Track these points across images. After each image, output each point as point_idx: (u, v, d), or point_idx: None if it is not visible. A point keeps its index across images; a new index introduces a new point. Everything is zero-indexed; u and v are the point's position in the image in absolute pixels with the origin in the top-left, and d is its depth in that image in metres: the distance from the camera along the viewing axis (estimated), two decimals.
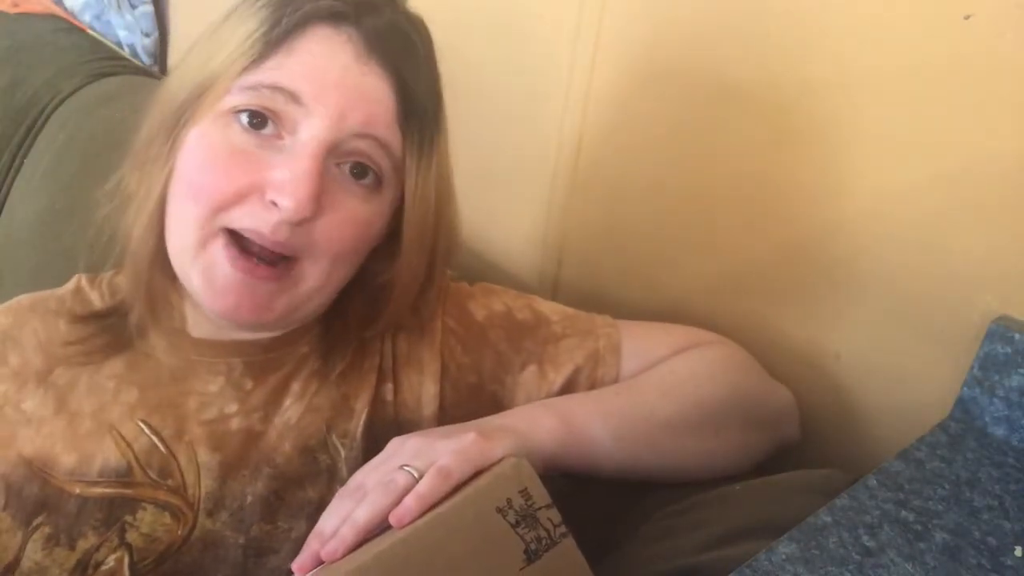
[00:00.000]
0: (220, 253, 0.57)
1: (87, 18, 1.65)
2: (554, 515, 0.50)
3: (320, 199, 0.57)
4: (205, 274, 0.58)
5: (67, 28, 1.54)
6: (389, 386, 0.67)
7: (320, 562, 0.50)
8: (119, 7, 1.63)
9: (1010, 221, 0.62)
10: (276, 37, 0.56)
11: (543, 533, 0.50)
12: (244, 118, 0.57)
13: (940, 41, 0.63)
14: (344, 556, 0.49)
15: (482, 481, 0.51)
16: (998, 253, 0.63)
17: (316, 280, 0.60)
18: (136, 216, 0.61)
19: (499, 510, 0.49)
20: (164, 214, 0.60)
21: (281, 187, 0.55)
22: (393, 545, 0.46)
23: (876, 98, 0.67)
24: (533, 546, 0.49)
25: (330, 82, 0.56)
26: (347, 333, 0.66)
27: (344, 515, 0.51)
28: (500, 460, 0.53)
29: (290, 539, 0.63)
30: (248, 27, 0.57)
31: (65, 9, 1.64)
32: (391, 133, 0.58)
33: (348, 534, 0.49)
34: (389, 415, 0.67)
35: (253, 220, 0.56)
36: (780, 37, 0.72)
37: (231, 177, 0.56)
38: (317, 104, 0.56)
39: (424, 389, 0.67)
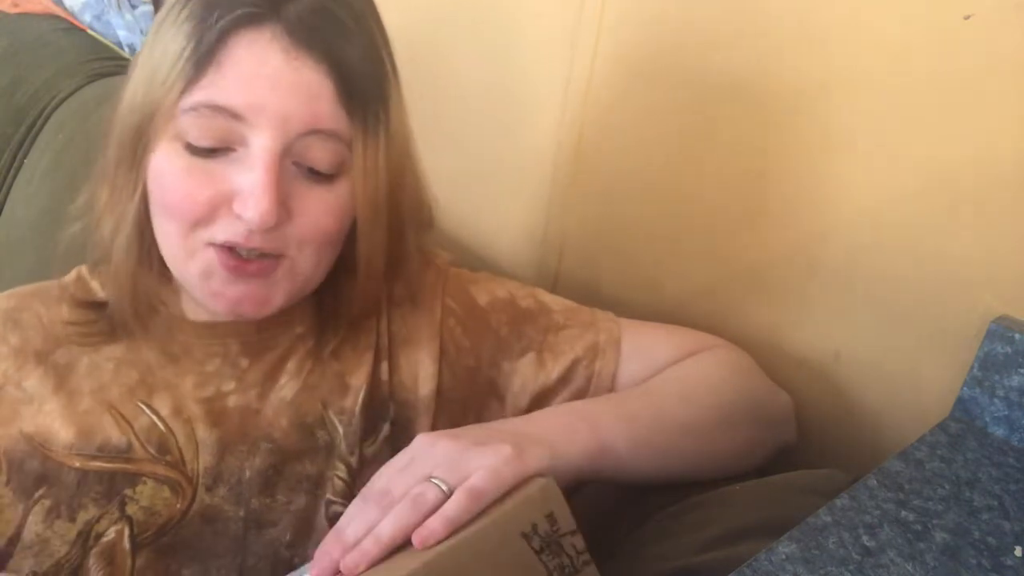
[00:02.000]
0: (212, 258, 0.59)
1: (87, 18, 1.64)
2: (578, 542, 0.50)
3: (287, 204, 0.58)
4: (201, 278, 0.60)
5: (67, 28, 1.54)
6: (385, 365, 0.68)
7: (339, 571, 0.50)
8: (119, 7, 1.63)
9: (1010, 221, 0.62)
10: (202, 55, 0.55)
11: (566, 561, 0.49)
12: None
13: (940, 41, 0.63)
14: (365, 570, 0.48)
15: (509, 503, 0.49)
16: (998, 253, 0.63)
17: (308, 267, 0.61)
18: (115, 235, 0.62)
19: (524, 535, 0.48)
20: (143, 234, 0.62)
21: (244, 201, 0.56)
22: (416, 571, 0.45)
23: (876, 98, 0.67)
24: (556, 574, 0.48)
25: (264, 90, 0.56)
26: (338, 311, 0.67)
27: (368, 523, 0.50)
28: (529, 478, 0.52)
29: (288, 511, 0.63)
30: (176, 46, 0.56)
31: (65, 9, 1.64)
32: (337, 119, 0.58)
33: (372, 550, 0.49)
34: (385, 393, 0.67)
35: (227, 232, 0.58)
36: (779, 38, 0.72)
37: (195, 196, 0.57)
38: (257, 116, 0.56)
39: (422, 369, 0.68)
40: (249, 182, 0.56)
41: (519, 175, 0.98)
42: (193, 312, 0.66)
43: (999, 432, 0.63)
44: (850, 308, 0.73)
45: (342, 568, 0.49)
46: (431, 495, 0.50)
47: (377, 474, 0.55)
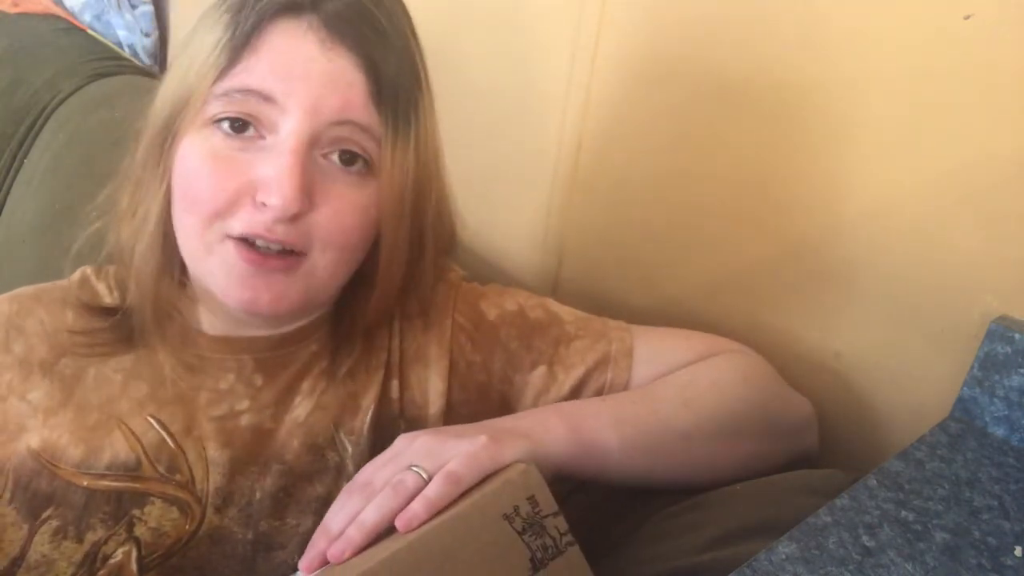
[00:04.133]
0: (230, 252, 0.58)
1: (87, 18, 1.65)
2: (560, 523, 0.50)
3: (311, 194, 0.57)
4: (220, 272, 0.59)
5: (67, 28, 1.54)
6: (395, 383, 0.67)
7: (327, 561, 0.50)
8: (119, 7, 1.63)
9: (1010, 221, 0.62)
10: (239, 41, 0.56)
11: (549, 541, 0.49)
12: (225, 125, 0.57)
13: (940, 41, 0.63)
14: (351, 557, 0.49)
15: (490, 487, 0.50)
16: (998, 253, 0.63)
17: (327, 270, 0.60)
18: (137, 235, 0.61)
19: (506, 517, 0.49)
20: (166, 231, 0.61)
21: (267, 186, 0.56)
22: (399, 551, 0.46)
23: (876, 98, 0.67)
24: (539, 554, 0.49)
25: (298, 75, 0.56)
26: (353, 329, 0.66)
27: (351, 514, 0.51)
28: (509, 465, 0.53)
29: (298, 534, 0.63)
30: (214, 36, 0.57)
31: (65, 9, 1.64)
32: (368, 114, 0.58)
33: (356, 536, 0.50)
34: (395, 412, 0.67)
35: (249, 224, 0.57)
36: (781, 37, 0.72)
37: (219, 185, 0.57)
38: (289, 100, 0.56)
39: (431, 386, 0.67)
40: (275, 167, 0.56)
41: (520, 177, 0.98)
42: (209, 324, 0.65)
43: (999, 432, 0.63)
44: (851, 308, 0.73)
45: (328, 556, 0.50)
46: (411, 481, 0.51)
47: (360, 470, 0.56)
